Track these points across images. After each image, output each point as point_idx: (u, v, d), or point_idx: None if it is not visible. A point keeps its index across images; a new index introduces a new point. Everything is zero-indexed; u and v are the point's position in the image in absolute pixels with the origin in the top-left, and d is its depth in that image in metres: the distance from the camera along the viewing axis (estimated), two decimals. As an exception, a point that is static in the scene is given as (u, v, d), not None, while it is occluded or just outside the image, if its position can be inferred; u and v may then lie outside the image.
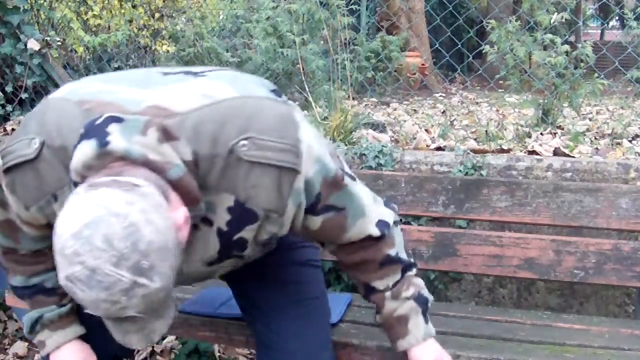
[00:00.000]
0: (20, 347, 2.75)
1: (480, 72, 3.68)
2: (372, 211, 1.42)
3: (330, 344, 1.60)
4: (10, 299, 2.07)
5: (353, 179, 1.39)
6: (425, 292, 1.53)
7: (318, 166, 1.29)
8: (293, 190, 1.26)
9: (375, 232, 1.43)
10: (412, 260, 1.53)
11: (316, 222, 1.35)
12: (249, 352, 2.66)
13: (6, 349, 2.77)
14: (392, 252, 1.48)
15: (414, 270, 1.53)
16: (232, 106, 1.25)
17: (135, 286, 1.07)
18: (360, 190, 1.41)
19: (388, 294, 1.49)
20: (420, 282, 1.53)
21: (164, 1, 5.16)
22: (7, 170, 1.31)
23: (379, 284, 1.49)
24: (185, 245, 1.18)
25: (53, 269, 1.37)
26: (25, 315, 1.54)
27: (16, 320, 2.89)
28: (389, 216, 1.47)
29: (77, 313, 1.53)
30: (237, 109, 1.24)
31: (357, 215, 1.39)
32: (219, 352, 2.63)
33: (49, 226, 1.28)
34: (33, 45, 3.37)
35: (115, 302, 1.07)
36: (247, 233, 1.31)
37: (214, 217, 1.28)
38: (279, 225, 1.31)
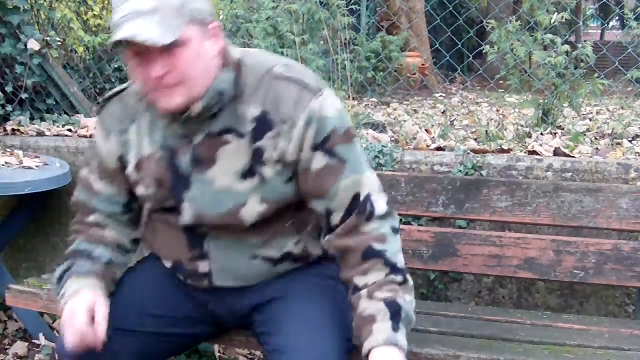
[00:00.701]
0: (20, 347, 2.75)
1: (480, 72, 3.68)
2: (369, 176, 1.50)
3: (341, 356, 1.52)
4: (10, 299, 2.07)
5: (357, 139, 1.52)
6: (403, 303, 1.46)
7: (336, 114, 1.47)
8: (308, 107, 1.44)
9: (363, 195, 1.47)
10: (404, 270, 1.49)
11: (318, 162, 1.46)
12: (248, 352, 2.66)
13: (6, 349, 2.77)
14: (377, 246, 1.47)
15: (401, 279, 1.47)
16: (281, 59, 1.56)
17: None
18: (362, 154, 1.52)
19: (364, 292, 1.46)
20: (405, 294, 1.47)
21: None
22: (102, 106, 1.61)
23: (359, 281, 1.47)
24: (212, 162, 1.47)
25: (108, 244, 1.63)
26: (57, 269, 1.61)
27: (16, 320, 2.89)
28: (386, 210, 1.49)
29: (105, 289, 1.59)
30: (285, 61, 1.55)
31: (354, 170, 1.48)
32: (219, 352, 2.63)
33: (122, 173, 1.58)
34: (33, 45, 3.36)
35: None
36: (266, 143, 1.47)
37: (244, 128, 1.47)
38: (288, 140, 1.45)
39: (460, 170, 2.38)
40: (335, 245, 1.51)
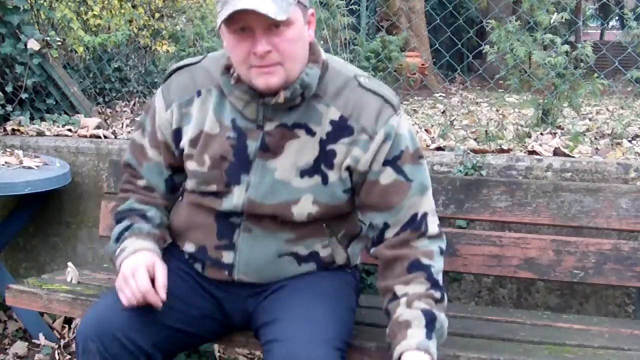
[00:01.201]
0: (20, 347, 2.75)
1: (480, 72, 3.68)
2: (429, 197, 1.56)
3: (337, 349, 1.51)
4: (10, 299, 2.07)
5: (424, 160, 1.58)
6: (439, 316, 1.49)
7: (409, 134, 1.55)
8: (388, 123, 1.51)
9: (420, 214, 1.53)
10: (443, 289, 1.53)
11: (388, 177, 1.52)
12: (248, 352, 2.66)
13: (6, 349, 2.77)
14: (424, 260, 1.51)
15: (439, 296, 1.51)
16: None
17: None
18: (427, 176, 1.58)
19: (403, 299, 1.49)
20: (441, 311, 1.50)
21: (164, 1, 5.16)
22: (169, 75, 1.65)
23: (400, 290, 1.50)
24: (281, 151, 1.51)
25: (159, 207, 1.69)
26: (115, 227, 1.66)
27: (16, 320, 2.89)
28: (438, 231, 1.57)
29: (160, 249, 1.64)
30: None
31: (419, 191, 1.54)
32: (219, 352, 2.63)
33: (174, 146, 1.61)
34: (33, 45, 3.36)
35: None
36: (339, 147, 1.52)
37: (319, 128, 1.52)
38: (364, 150, 1.50)
39: (460, 170, 2.38)
40: (384, 255, 1.54)
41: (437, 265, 1.54)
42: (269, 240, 1.58)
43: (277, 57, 1.43)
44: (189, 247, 1.67)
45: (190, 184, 1.63)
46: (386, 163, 1.52)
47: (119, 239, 1.63)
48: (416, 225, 1.53)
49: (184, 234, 1.69)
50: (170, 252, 1.69)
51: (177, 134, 1.61)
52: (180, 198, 1.74)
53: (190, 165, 1.60)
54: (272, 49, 1.42)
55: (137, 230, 1.62)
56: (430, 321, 1.47)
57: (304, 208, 1.54)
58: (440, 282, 1.53)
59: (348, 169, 1.53)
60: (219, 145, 1.56)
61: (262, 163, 1.54)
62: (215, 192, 1.58)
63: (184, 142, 1.60)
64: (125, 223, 1.65)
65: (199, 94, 1.59)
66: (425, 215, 1.54)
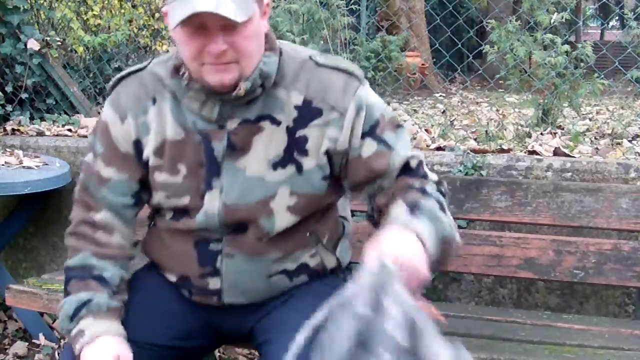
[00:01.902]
0: (20, 347, 2.75)
1: (480, 72, 3.68)
2: (418, 153, 1.48)
3: None
4: (10, 299, 2.07)
5: (403, 129, 1.50)
6: (425, 203, 1.36)
7: (379, 101, 1.48)
8: (356, 95, 1.43)
9: (415, 163, 1.45)
10: (443, 201, 1.41)
11: (369, 148, 1.44)
12: (248, 352, 2.66)
13: (6, 349, 2.77)
14: (418, 184, 1.42)
15: (438, 201, 1.39)
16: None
17: None
18: (409, 141, 1.50)
19: (400, 200, 1.39)
20: (438, 205, 1.38)
21: (164, 1, 5.16)
22: (115, 85, 1.52)
23: (389, 206, 1.40)
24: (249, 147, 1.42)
25: (117, 259, 1.53)
26: (67, 299, 1.48)
27: (16, 320, 2.90)
28: (438, 179, 1.48)
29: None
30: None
31: (403, 153, 1.45)
32: (219, 352, 2.64)
33: (136, 159, 1.48)
34: (33, 45, 3.37)
35: None
36: (311, 131, 1.43)
37: (282, 116, 1.43)
38: (339, 128, 1.42)
39: (460, 170, 2.38)
40: (380, 203, 1.46)
41: (436, 193, 1.41)
42: (255, 264, 1.50)
43: (232, 55, 1.35)
44: (171, 277, 1.58)
45: (158, 198, 1.51)
46: (364, 135, 1.44)
47: (74, 316, 1.46)
48: (413, 172, 1.45)
49: (163, 264, 1.59)
50: (155, 271, 1.61)
51: (138, 146, 1.49)
52: (151, 223, 1.62)
53: (160, 177, 1.48)
54: (227, 47, 1.34)
55: (95, 309, 1.45)
56: (413, 205, 1.35)
57: (282, 202, 1.45)
58: (441, 197, 1.41)
59: (327, 152, 1.45)
60: (194, 151, 1.45)
61: (232, 164, 1.44)
62: (187, 208, 1.48)
63: (147, 154, 1.48)
64: (80, 296, 1.47)
65: (154, 101, 1.47)
66: (420, 163, 1.46)
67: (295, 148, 1.44)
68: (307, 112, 1.43)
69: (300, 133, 1.44)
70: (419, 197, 1.39)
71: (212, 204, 1.46)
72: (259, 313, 1.56)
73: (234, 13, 1.28)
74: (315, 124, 1.43)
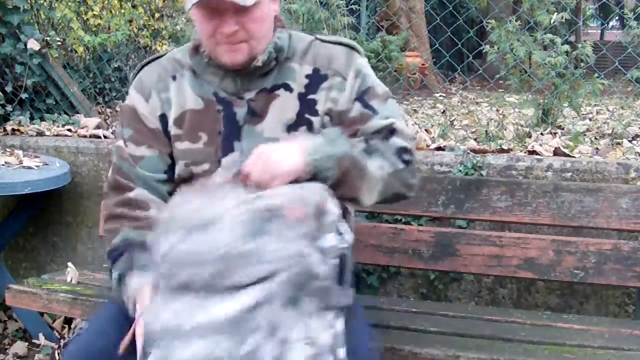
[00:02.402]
0: (20, 347, 2.75)
1: (480, 72, 3.68)
2: (396, 122, 1.57)
3: None
4: (10, 299, 2.07)
5: (393, 101, 1.64)
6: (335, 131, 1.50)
7: (372, 74, 1.63)
8: (356, 63, 1.61)
9: (386, 124, 1.55)
10: (377, 145, 1.53)
11: (355, 111, 1.57)
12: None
13: (6, 349, 2.77)
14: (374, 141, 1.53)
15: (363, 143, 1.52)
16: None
17: None
18: (397, 111, 1.62)
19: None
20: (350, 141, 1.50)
21: (164, 1, 5.16)
22: (138, 71, 1.67)
23: None
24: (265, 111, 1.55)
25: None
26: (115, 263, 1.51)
27: (16, 320, 2.89)
28: (407, 147, 1.56)
29: None
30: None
31: (385, 117, 1.57)
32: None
33: (164, 133, 1.59)
34: (33, 45, 3.37)
35: None
36: (319, 95, 1.58)
37: (295, 84, 1.58)
38: (340, 90, 1.58)
39: (460, 170, 2.38)
40: None
41: (388, 152, 1.53)
42: None
43: (243, 35, 1.49)
44: None
45: (178, 170, 1.59)
46: (355, 99, 1.58)
47: (122, 280, 1.48)
48: (379, 129, 1.55)
49: None
50: None
51: (163, 119, 1.61)
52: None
53: (181, 146, 1.59)
54: (238, 28, 1.48)
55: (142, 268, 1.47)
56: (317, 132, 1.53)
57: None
58: (378, 144, 1.52)
59: (329, 113, 1.58)
60: (214, 120, 1.57)
61: (251, 128, 1.56)
62: (206, 174, 1.54)
63: (170, 125, 1.60)
64: (124, 262, 1.50)
65: (174, 78, 1.62)
66: (392, 127, 1.55)
67: (306, 110, 1.57)
68: (316, 79, 1.59)
69: (310, 96, 1.58)
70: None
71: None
72: None
73: None
74: (323, 87, 1.58)
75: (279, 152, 1.41)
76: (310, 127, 1.57)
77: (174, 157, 1.61)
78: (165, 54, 1.69)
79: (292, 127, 1.57)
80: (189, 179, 1.57)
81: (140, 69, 1.67)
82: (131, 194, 1.57)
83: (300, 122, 1.57)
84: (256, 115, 1.57)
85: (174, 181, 1.61)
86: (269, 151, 1.41)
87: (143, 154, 1.60)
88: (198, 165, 1.57)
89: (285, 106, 1.57)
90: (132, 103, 1.64)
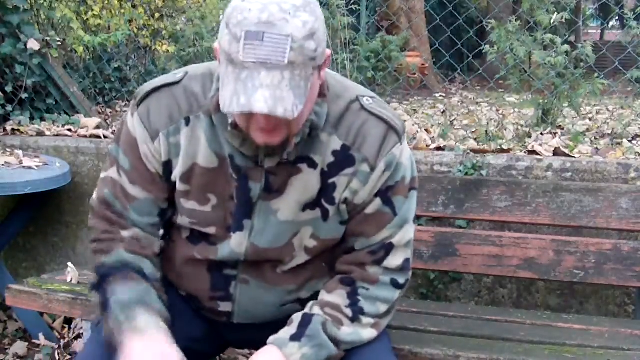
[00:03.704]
0: (20, 347, 2.75)
1: (480, 72, 3.68)
2: (406, 230, 1.44)
3: None
4: (10, 299, 2.07)
5: (416, 196, 1.47)
6: (322, 325, 1.37)
7: (409, 162, 1.43)
8: (391, 152, 1.38)
9: (386, 243, 1.42)
10: (360, 314, 1.41)
11: (373, 207, 1.41)
12: (249, 352, 2.65)
13: (6, 349, 2.77)
14: (360, 284, 1.42)
15: (350, 316, 1.40)
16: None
17: (302, 10, 1.18)
18: (414, 207, 1.46)
19: (313, 301, 1.42)
20: (344, 326, 1.39)
21: (164, 1, 5.16)
22: (145, 97, 1.39)
23: (320, 295, 1.44)
24: (284, 187, 1.36)
25: (152, 256, 1.45)
26: (117, 287, 1.37)
27: (16, 320, 2.89)
28: (398, 265, 1.44)
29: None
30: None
31: (398, 225, 1.43)
32: (219, 352, 2.63)
33: (164, 179, 1.40)
34: (33, 45, 3.37)
35: (282, 10, 1.16)
36: (340, 179, 1.38)
37: (320, 159, 1.37)
38: (364, 183, 1.38)
39: (460, 170, 2.38)
40: (337, 268, 1.47)
41: (378, 293, 1.42)
42: (270, 292, 1.48)
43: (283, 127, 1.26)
44: (180, 291, 1.54)
45: (181, 221, 1.45)
46: (377, 194, 1.40)
47: (127, 305, 1.36)
48: (376, 249, 1.42)
49: (172, 280, 1.53)
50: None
51: (168, 166, 1.41)
52: (165, 235, 1.52)
53: (187, 204, 1.42)
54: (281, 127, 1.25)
55: (148, 302, 1.38)
56: (305, 324, 1.36)
57: (302, 240, 1.43)
58: (368, 309, 1.41)
59: (345, 201, 1.40)
60: (226, 182, 1.38)
61: (266, 205, 1.39)
62: (212, 236, 1.43)
63: (175, 176, 1.40)
64: (130, 285, 1.39)
65: (187, 121, 1.37)
66: (390, 245, 1.42)
67: (324, 194, 1.40)
68: (342, 159, 1.38)
69: (331, 180, 1.39)
70: (331, 317, 1.38)
71: (240, 243, 1.42)
72: (268, 329, 1.53)
73: (292, 107, 1.16)
74: (345, 173, 1.38)
75: None
76: (325, 216, 1.41)
77: (174, 204, 1.45)
78: (181, 79, 1.40)
79: (308, 207, 1.40)
80: (193, 236, 1.46)
81: (149, 94, 1.40)
82: (123, 233, 1.44)
83: (317, 204, 1.40)
84: (273, 191, 1.38)
85: (166, 223, 1.48)
86: None
87: (137, 195, 1.42)
88: (204, 227, 1.43)
89: (307, 185, 1.38)
90: (135, 134, 1.40)
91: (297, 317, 1.40)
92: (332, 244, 1.46)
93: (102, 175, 1.47)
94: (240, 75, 1.16)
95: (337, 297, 1.42)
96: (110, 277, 1.40)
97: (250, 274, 1.46)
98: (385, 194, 1.40)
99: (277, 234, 1.42)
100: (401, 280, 1.45)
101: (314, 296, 1.49)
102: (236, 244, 1.42)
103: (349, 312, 1.41)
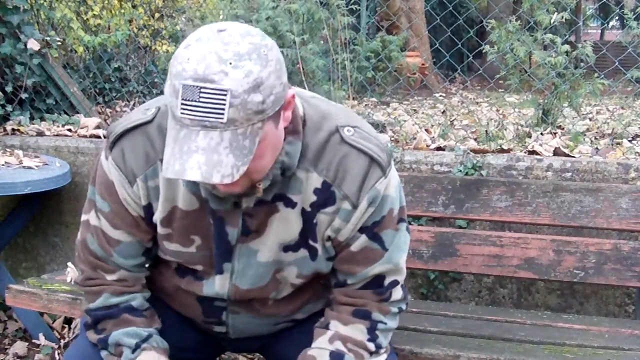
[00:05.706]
0: (20, 347, 2.75)
1: (480, 72, 3.68)
2: (400, 266, 1.40)
3: None
4: (10, 299, 2.07)
5: (406, 227, 1.41)
6: None
7: (395, 193, 1.34)
8: (374, 188, 1.30)
9: (388, 281, 1.39)
10: (382, 348, 1.40)
11: (360, 244, 1.35)
12: (250, 355, 2.65)
13: (6, 349, 2.77)
14: (375, 315, 1.39)
15: (374, 349, 1.38)
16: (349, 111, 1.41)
17: (247, 58, 1.08)
18: (406, 240, 1.41)
19: (331, 332, 1.38)
20: None
21: (164, 1, 5.16)
22: (118, 139, 1.32)
23: (334, 325, 1.39)
24: (263, 228, 1.31)
25: (140, 290, 1.44)
26: (113, 334, 1.40)
27: (16, 320, 2.89)
28: (401, 296, 1.43)
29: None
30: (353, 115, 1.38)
31: (390, 260, 1.38)
32: (219, 352, 2.63)
33: (147, 222, 1.35)
34: (33, 45, 3.36)
35: (222, 60, 1.07)
36: (322, 217, 1.32)
37: (300, 197, 1.31)
38: (346, 221, 1.31)
39: (460, 170, 2.38)
40: (338, 299, 1.42)
41: (390, 323, 1.41)
42: (263, 320, 1.49)
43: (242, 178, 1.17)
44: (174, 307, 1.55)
45: (167, 258, 1.43)
46: (362, 230, 1.33)
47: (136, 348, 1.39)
48: (382, 290, 1.39)
49: (167, 302, 1.53)
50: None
51: (149, 210, 1.35)
52: (154, 268, 1.51)
53: (170, 246, 1.38)
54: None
55: (152, 344, 1.41)
56: None
57: (287, 278, 1.40)
58: (384, 342, 1.40)
59: (329, 238, 1.35)
60: (208, 223, 1.33)
61: (245, 246, 1.35)
62: (199, 271, 1.41)
63: (156, 219, 1.36)
64: (127, 331, 1.40)
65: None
66: (393, 283, 1.39)
67: (309, 233, 1.34)
68: (324, 197, 1.31)
69: (315, 219, 1.33)
70: (356, 354, 1.35)
71: (223, 285, 1.41)
72: (267, 337, 1.56)
73: (232, 170, 1.10)
74: (327, 211, 1.32)
75: None
76: (314, 256, 1.36)
77: (157, 244, 1.41)
78: (152, 118, 1.31)
79: (290, 249, 1.35)
80: (179, 270, 1.44)
81: (122, 135, 1.32)
82: (108, 277, 1.42)
83: (301, 244, 1.35)
84: (251, 233, 1.34)
85: (151, 261, 1.47)
86: None
87: (120, 239, 1.38)
88: (191, 265, 1.41)
89: (286, 224, 1.32)
90: (111, 177, 1.34)
91: (324, 356, 1.35)
92: (318, 276, 1.44)
93: (83, 217, 1.44)
94: (179, 134, 1.10)
95: (357, 332, 1.38)
96: (102, 321, 1.42)
97: (240, 307, 1.46)
98: (372, 229, 1.33)
99: (258, 275, 1.39)
100: (404, 307, 1.46)
101: (311, 316, 1.50)
102: (219, 286, 1.41)
103: (371, 346, 1.39)
